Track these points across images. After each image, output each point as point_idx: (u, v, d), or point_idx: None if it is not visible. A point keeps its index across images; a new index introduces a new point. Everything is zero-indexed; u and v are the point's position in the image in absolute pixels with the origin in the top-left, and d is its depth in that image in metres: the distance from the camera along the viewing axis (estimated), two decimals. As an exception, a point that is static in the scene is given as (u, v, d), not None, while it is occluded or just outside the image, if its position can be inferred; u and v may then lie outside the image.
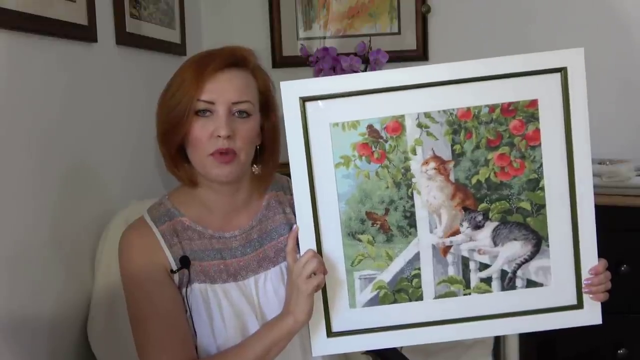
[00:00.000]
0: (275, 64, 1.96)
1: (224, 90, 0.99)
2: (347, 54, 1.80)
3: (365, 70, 1.81)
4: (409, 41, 1.93)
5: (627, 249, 1.49)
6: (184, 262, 1.02)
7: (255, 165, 1.07)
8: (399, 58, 1.87)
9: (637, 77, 1.82)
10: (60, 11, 1.16)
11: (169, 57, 1.67)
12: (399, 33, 1.93)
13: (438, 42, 1.92)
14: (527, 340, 1.56)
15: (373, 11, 1.93)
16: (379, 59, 1.79)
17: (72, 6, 1.19)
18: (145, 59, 1.55)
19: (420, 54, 1.92)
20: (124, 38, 1.42)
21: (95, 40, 1.29)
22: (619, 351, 1.54)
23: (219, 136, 0.98)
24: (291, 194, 1.04)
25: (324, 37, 1.95)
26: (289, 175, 1.04)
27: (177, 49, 1.71)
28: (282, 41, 1.96)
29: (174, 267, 1.01)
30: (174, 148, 1.03)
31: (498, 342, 1.63)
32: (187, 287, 1.02)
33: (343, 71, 1.78)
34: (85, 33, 1.25)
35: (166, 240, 1.02)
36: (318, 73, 1.82)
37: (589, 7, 1.83)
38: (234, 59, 1.02)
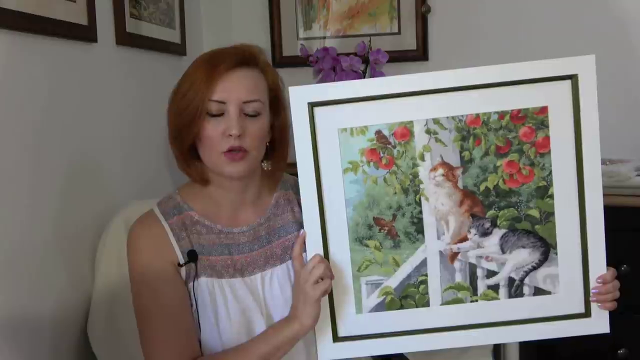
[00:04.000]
0: (275, 64, 1.94)
1: (234, 89, 0.99)
2: (347, 54, 1.80)
3: (365, 70, 1.81)
4: (409, 41, 1.92)
5: (627, 249, 1.49)
6: (192, 256, 1.02)
7: (264, 162, 1.08)
8: (399, 58, 1.87)
9: (637, 77, 1.83)
10: (60, 11, 1.15)
11: (169, 57, 1.66)
12: (399, 33, 1.92)
13: (438, 42, 1.92)
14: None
15: (373, 11, 1.92)
16: (379, 59, 1.78)
17: (72, 6, 1.18)
18: (145, 59, 1.54)
19: (420, 54, 1.92)
20: (124, 38, 1.41)
21: (95, 40, 1.28)
22: (619, 351, 1.55)
23: (230, 135, 0.98)
24: (299, 194, 1.04)
25: (324, 37, 1.94)
26: (296, 174, 1.04)
27: (177, 49, 1.70)
28: (282, 41, 1.95)
29: (182, 261, 1.01)
30: (186, 147, 1.03)
31: (498, 342, 1.64)
32: (194, 281, 1.02)
33: (343, 71, 1.77)
34: (85, 33, 1.24)
35: (175, 234, 1.02)
36: (318, 73, 1.82)
37: (591, 6, 1.83)
38: (244, 58, 1.01)
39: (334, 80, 1.74)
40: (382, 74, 1.77)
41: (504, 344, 1.58)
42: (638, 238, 1.52)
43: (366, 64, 1.80)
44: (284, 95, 1.06)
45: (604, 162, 1.58)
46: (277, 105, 1.07)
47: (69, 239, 1.19)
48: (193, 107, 0.98)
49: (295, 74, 1.86)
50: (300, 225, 1.06)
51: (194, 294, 1.02)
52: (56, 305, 1.14)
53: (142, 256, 1.01)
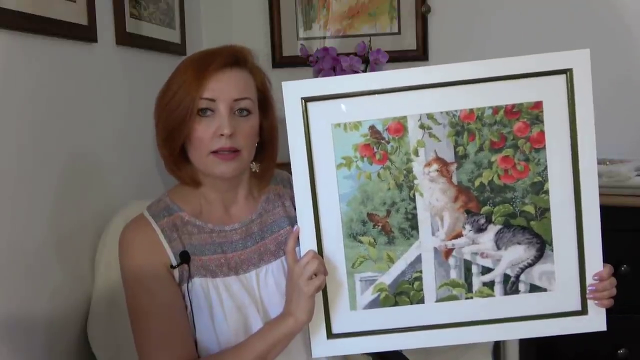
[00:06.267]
0: (275, 64, 1.95)
1: (225, 88, 1.00)
2: (347, 54, 1.79)
3: (365, 70, 1.80)
4: (409, 41, 1.92)
5: (627, 249, 1.48)
6: (184, 257, 1.01)
7: (253, 163, 1.08)
8: (399, 58, 1.86)
9: (637, 77, 1.82)
10: (60, 11, 1.15)
11: (169, 57, 1.66)
12: (399, 33, 1.93)
13: (438, 42, 1.92)
14: (528, 339, 1.56)
15: (373, 11, 1.93)
16: (379, 59, 1.78)
17: (72, 6, 1.19)
18: (145, 59, 1.55)
19: (420, 54, 1.92)
20: (124, 38, 1.41)
21: (95, 40, 1.28)
22: (619, 351, 1.54)
23: (222, 135, 0.98)
24: (291, 188, 1.04)
25: (324, 37, 1.95)
26: (288, 170, 1.04)
27: (177, 49, 1.71)
28: (282, 41, 1.96)
29: (174, 263, 1.01)
30: (177, 149, 1.03)
31: (498, 341, 1.63)
32: (187, 283, 1.02)
33: (343, 71, 1.77)
34: (85, 33, 1.25)
35: (166, 236, 1.02)
36: (318, 73, 1.82)
37: (590, 6, 1.83)
38: (234, 58, 1.02)
39: (334, 80, 1.74)
40: (382, 74, 1.77)
41: (503, 343, 1.57)
42: (638, 238, 1.51)
43: (366, 64, 1.79)
44: (271, 95, 1.07)
45: (604, 162, 1.58)
46: (266, 106, 1.07)
47: (68, 239, 1.19)
48: (183, 107, 0.98)
49: (295, 74, 1.86)
50: (292, 220, 1.06)
51: (188, 295, 1.01)
52: (56, 306, 1.14)
53: (135, 258, 1.01)
